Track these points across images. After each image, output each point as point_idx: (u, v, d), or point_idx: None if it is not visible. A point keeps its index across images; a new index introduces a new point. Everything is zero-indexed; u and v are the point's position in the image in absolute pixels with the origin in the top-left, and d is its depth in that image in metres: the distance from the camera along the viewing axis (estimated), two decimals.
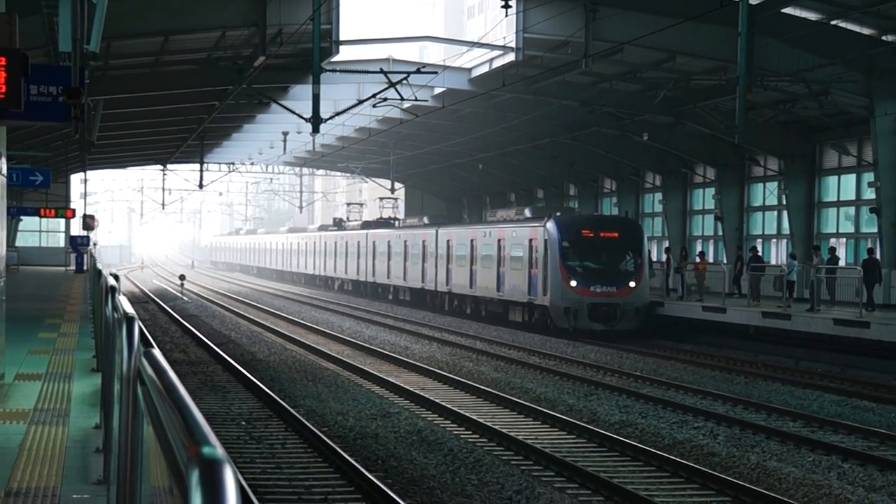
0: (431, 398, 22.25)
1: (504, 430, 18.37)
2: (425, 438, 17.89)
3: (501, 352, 33.14)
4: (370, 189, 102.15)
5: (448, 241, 50.64)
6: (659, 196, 54.90)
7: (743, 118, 33.43)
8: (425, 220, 57.68)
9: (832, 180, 44.99)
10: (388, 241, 59.93)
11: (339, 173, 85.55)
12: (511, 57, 38.50)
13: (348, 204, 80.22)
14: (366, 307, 54.29)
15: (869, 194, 40.69)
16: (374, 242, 62.63)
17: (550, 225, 38.83)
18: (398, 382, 24.72)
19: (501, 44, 40.00)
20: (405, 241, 56.91)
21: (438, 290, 51.96)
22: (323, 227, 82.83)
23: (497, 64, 41.01)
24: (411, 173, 74.15)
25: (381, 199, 71.33)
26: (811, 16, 36.04)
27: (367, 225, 67.39)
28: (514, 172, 65.82)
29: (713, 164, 49.82)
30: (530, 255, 41.44)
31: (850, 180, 44.03)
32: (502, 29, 44.64)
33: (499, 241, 44.49)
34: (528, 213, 44.87)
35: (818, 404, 22.96)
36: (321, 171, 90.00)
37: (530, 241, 41.63)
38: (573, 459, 16.10)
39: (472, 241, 47.79)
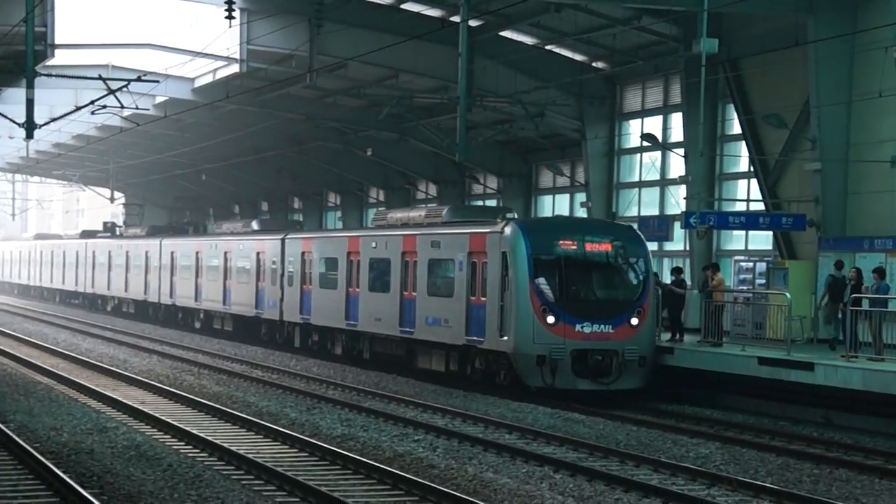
0: (151, 412, 21.86)
1: (225, 445, 18.22)
2: (144, 453, 17.56)
3: (224, 365, 32.83)
4: (89, 198, 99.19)
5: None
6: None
7: (464, 137, 34.19)
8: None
9: (547, 199, 46.79)
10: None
11: (55, 181, 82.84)
12: (235, 68, 38.39)
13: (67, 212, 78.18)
14: (83, 318, 52.65)
15: (581, 213, 42.53)
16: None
17: (511, 231, 26.44)
18: (116, 396, 24.17)
19: (225, 54, 39.76)
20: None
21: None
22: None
23: (221, 74, 40.81)
24: (132, 182, 72.49)
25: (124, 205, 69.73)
26: (528, 40, 37.74)
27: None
28: (238, 184, 65.47)
29: (436, 180, 51.25)
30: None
31: (564, 199, 45.87)
32: (226, 39, 44.25)
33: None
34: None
35: (533, 417, 23.72)
36: (36, 179, 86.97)
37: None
38: (294, 473, 16.12)
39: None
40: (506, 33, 36.64)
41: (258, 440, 19.77)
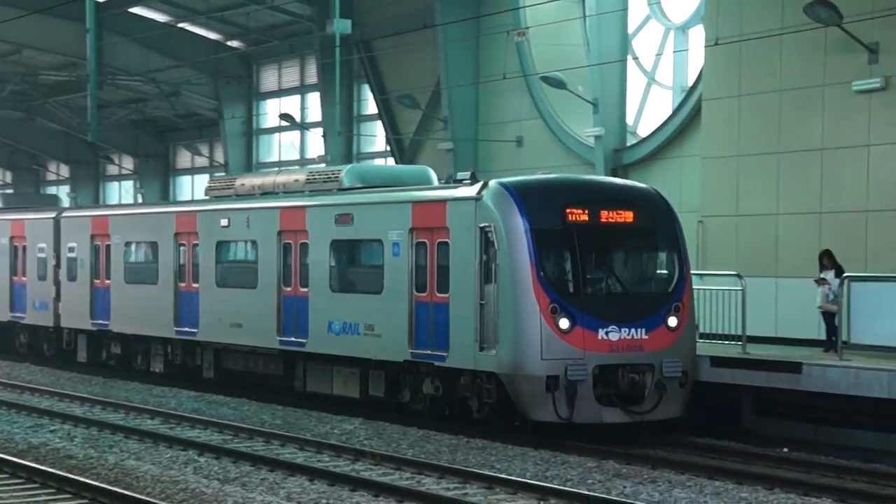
0: None
1: None
2: None
3: None
4: None
5: None
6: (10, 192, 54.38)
7: (95, 116, 34.29)
8: None
9: (186, 179, 47.05)
10: None
11: None
12: None
13: None
14: None
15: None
16: None
17: (497, 196, 18.87)
18: None
19: None
20: None
21: None
22: None
23: None
24: None
25: None
26: (160, 17, 38.01)
27: None
28: None
29: (67, 160, 50.59)
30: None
31: (202, 180, 45.97)
32: None
33: None
34: None
35: (176, 401, 23.50)
36: None
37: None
38: None
39: None
40: (136, 10, 36.83)
41: None
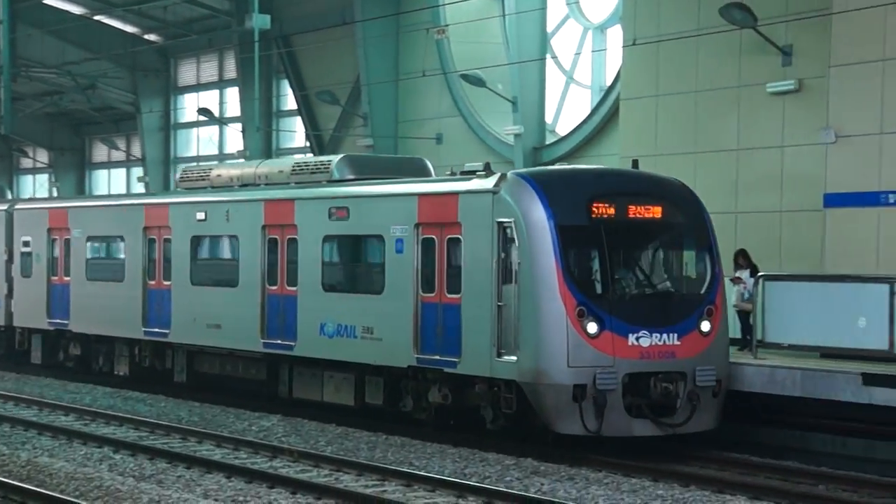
0: None
1: None
2: None
3: None
4: None
5: None
6: None
7: (9, 108, 34.79)
8: None
9: (103, 174, 47.38)
10: None
11: None
12: None
13: None
14: None
15: (140, 188, 43.74)
16: None
17: (518, 189, 17.81)
18: None
19: None
20: None
21: None
22: None
23: None
24: None
25: None
26: (75, 9, 38.65)
27: None
28: None
29: None
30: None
31: (119, 174, 47.23)
32: None
33: None
34: None
35: (91, 397, 23.57)
36: None
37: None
38: None
39: None
40: (51, 1, 37.53)
41: None
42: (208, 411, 21.64)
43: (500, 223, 17.35)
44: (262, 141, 39.33)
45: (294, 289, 21.27)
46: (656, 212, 17.95)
